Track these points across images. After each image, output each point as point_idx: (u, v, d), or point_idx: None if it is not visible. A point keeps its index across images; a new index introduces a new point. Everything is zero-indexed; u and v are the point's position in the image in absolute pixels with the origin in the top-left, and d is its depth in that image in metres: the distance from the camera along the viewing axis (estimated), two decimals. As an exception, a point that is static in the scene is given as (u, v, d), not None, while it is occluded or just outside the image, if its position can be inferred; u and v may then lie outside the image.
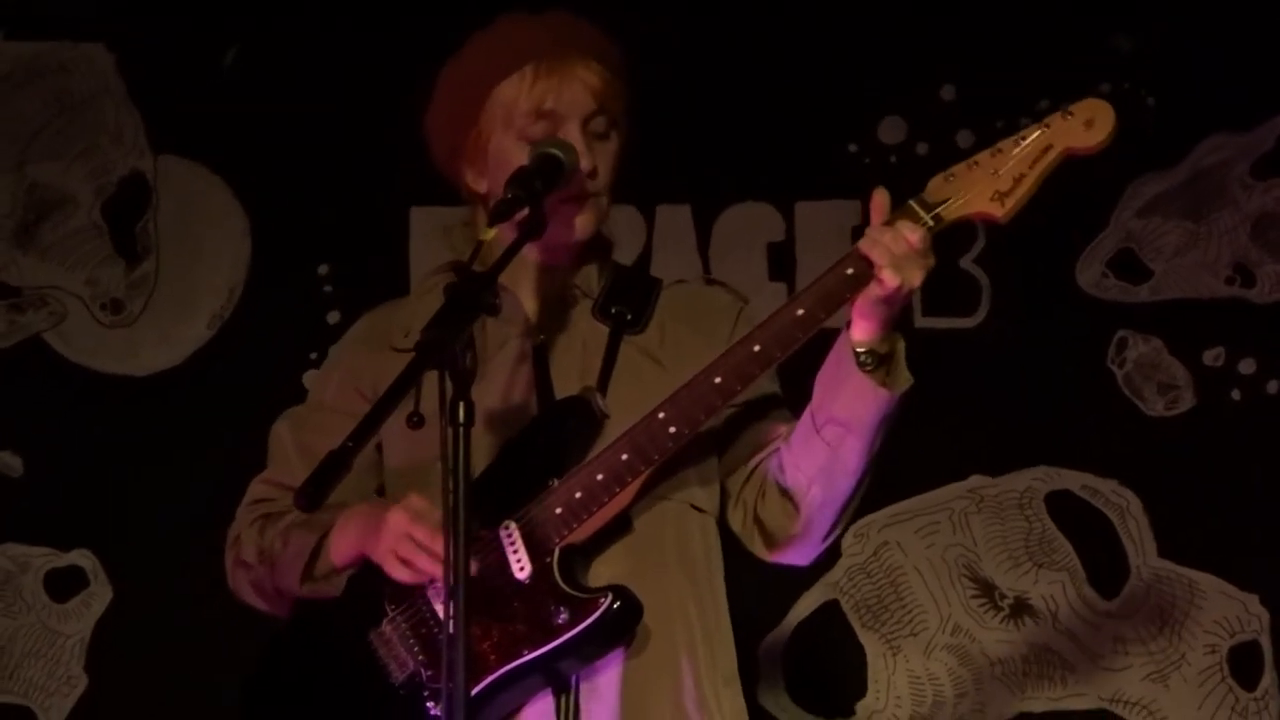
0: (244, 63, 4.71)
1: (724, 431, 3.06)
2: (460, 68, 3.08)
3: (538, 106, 2.98)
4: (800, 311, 2.86)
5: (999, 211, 2.82)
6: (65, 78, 4.77)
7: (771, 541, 3.08)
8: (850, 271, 2.85)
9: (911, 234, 2.81)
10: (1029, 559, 4.57)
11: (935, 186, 2.85)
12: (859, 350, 2.89)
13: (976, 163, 2.83)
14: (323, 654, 3.02)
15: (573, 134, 2.98)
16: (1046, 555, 4.56)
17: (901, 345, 2.93)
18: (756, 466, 3.07)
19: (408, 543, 2.84)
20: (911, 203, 2.84)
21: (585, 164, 2.96)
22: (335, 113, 4.65)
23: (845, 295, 2.85)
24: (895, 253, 2.81)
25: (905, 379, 2.93)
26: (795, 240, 4.65)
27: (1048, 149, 2.81)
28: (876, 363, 2.90)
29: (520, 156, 2.96)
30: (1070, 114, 2.81)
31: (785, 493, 3.02)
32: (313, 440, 3.05)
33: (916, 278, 2.83)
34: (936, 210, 2.83)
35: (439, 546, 2.66)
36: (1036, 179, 2.81)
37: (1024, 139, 2.82)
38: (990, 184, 2.81)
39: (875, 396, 2.91)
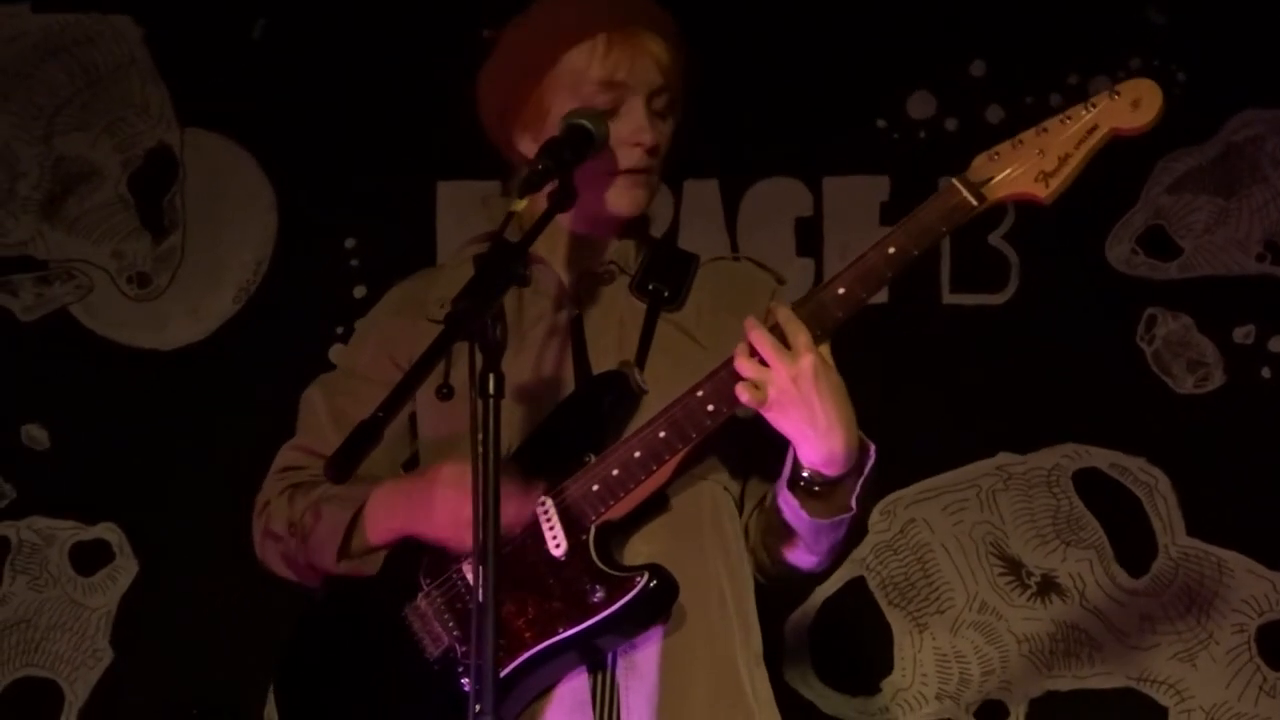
0: (271, 36, 4.71)
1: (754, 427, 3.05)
2: (527, 30, 3.04)
3: (609, 77, 2.95)
4: (841, 290, 2.84)
5: (1043, 192, 2.79)
6: (92, 50, 4.77)
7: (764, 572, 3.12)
8: (892, 250, 2.83)
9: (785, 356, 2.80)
10: (1056, 537, 4.56)
11: (979, 165, 2.81)
12: (803, 473, 2.89)
13: (1021, 141, 2.80)
14: (357, 629, 3.01)
15: (636, 108, 2.96)
16: (1074, 533, 4.55)
17: (850, 482, 2.89)
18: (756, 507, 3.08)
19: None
20: (955, 181, 2.81)
21: (647, 139, 2.95)
22: (363, 86, 4.64)
23: (886, 273, 2.83)
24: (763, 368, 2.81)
25: (834, 510, 2.91)
26: (823, 215, 4.63)
27: (1094, 129, 2.77)
28: (826, 484, 2.89)
29: None
30: (1117, 94, 2.78)
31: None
32: (346, 407, 3.05)
33: (752, 394, 2.82)
34: (980, 189, 2.80)
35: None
36: (1082, 160, 2.78)
37: (1070, 118, 2.78)
38: (1035, 164, 2.78)
39: (800, 516, 2.92)
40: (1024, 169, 2.79)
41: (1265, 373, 4.53)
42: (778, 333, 2.83)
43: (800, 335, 2.81)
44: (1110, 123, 2.78)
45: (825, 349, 2.86)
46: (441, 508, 2.86)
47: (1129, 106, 2.77)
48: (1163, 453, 4.54)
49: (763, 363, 2.82)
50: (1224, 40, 4.51)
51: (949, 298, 4.59)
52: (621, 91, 2.96)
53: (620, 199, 2.98)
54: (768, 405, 2.82)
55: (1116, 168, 4.40)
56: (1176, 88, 4.52)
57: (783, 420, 2.83)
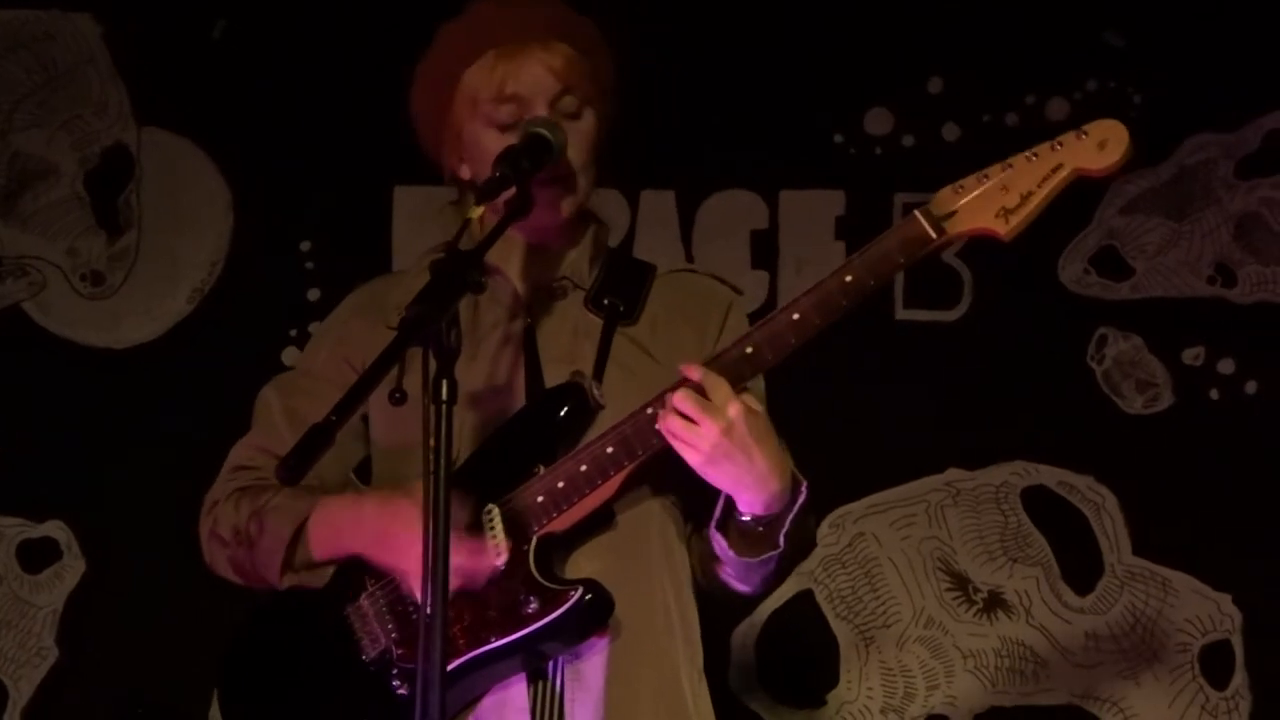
0: (231, 37, 4.70)
1: None
2: (431, 58, 3.10)
3: (500, 91, 2.98)
4: (795, 316, 2.84)
5: (1003, 229, 2.78)
6: (50, 47, 4.74)
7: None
8: (849, 279, 2.83)
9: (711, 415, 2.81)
10: (1004, 553, 4.57)
11: (944, 198, 2.81)
12: (743, 518, 2.90)
13: (986, 176, 2.79)
14: (300, 626, 3.02)
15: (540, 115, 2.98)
16: (1021, 550, 4.57)
17: (781, 521, 2.91)
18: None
19: None
20: (917, 214, 2.81)
21: None
22: (321, 90, 4.64)
23: (842, 303, 2.83)
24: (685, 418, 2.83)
25: (764, 549, 2.93)
26: (779, 229, 4.64)
27: (1058, 168, 2.76)
28: (759, 522, 2.91)
29: (491, 141, 2.97)
30: (1084, 134, 2.77)
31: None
32: (300, 406, 3.06)
33: (688, 453, 2.84)
34: (941, 222, 2.80)
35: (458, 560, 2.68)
36: (1044, 198, 2.77)
37: (1036, 156, 2.78)
38: (998, 200, 2.77)
39: (729, 555, 2.95)
40: (986, 204, 2.78)
41: (1214, 394, 4.55)
42: (700, 390, 2.84)
43: (719, 389, 2.82)
44: (1075, 163, 2.77)
45: (759, 381, 2.93)
46: (409, 553, 2.85)
47: (1095, 147, 2.76)
48: (1111, 472, 4.56)
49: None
50: (1180, 64, 4.54)
51: (902, 313, 4.60)
52: (518, 103, 2.98)
53: (545, 205, 2.98)
54: (702, 462, 2.83)
55: (1070, 188, 4.48)
56: (1132, 110, 4.54)
57: (719, 475, 2.85)
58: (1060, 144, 2.78)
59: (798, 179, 4.64)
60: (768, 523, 2.90)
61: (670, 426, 2.83)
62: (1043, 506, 4.58)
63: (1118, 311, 4.59)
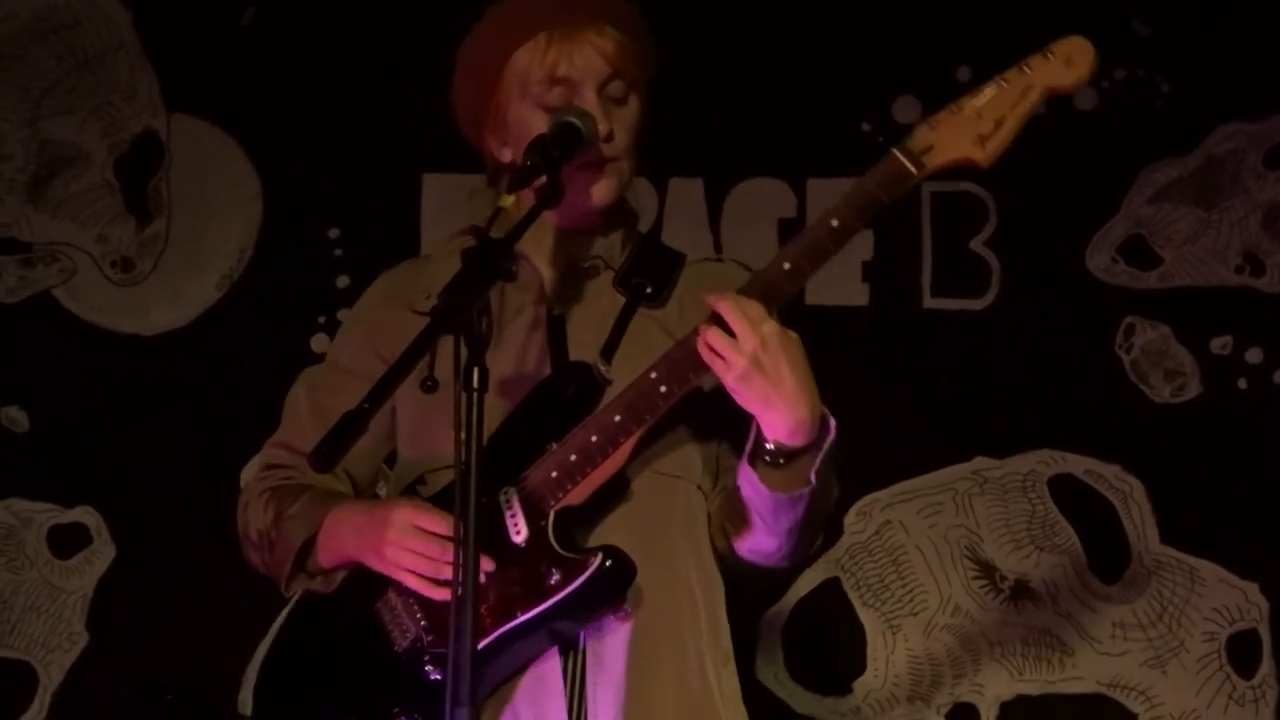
0: (261, 23, 4.71)
1: (716, 407, 3.04)
2: (477, 39, 3.09)
3: (551, 73, 2.99)
4: (786, 266, 2.86)
5: (980, 155, 2.81)
6: (80, 33, 4.76)
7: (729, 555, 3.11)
8: (835, 224, 2.84)
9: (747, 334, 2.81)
10: (1031, 542, 4.58)
11: (920, 134, 2.84)
12: (767, 445, 2.89)
13: (959, 108, 2.82)
14: (333, 622, 3.03)
15: (589, 99, 2.98)
16: (1048, 538, 4.57)
17: (811, 456, 2.89)
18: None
19: (419, 560, 2.87)
20: (895, 150, 2.84)
21: (602, 128, 2.97)
22: (350, 77, 4.65)
23: (830, 248, 2.85)
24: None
25: (794, 483, 2.90)
26: (806, 217, 4.64)
27: (1028, 89, 2.80)
28: (786, 456, 2.89)
29: (539, 124, 2.97)
30: (1050, 54, 2.81)
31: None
32: (327, 401, 3.06)
33: (722, 369, 2.83)
34: (920, 157, 2.83)
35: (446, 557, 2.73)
36: (1018, 121, 2.80)
37: (1006, 81, 2.81)
38: (973, 128, 2.80)
39: (760, 490, 2.92)
40: (962, 134, 2.81)
41: (1242, 384, 4.55)
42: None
43: (755, 307, 2.82)
44: (1045, 81, 2.81)
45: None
46: (392, 556, 2.90)
47: (1062, 64, 2.81)
48: (1138, 461, 4.56)
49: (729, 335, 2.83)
50: (1208, 52, 4.53)
51: (930, 302, 4.61)
52: (569, 86, 2.99)
53: (587, 191, 2.99)
54: (737, 376, 2.82)
55: (1098, 177, 4.49)
56: (1160, 99, 4.55)
57: (749, 393, 2.83)
58: (1028, 67, 2.82)
59: (825, 167, 4.64)
60: (790, 454, 2.88)
61: (709, 338, 2.81)
62: (1070, 495, 4.58)
63: (1146, 300, 4.59)
